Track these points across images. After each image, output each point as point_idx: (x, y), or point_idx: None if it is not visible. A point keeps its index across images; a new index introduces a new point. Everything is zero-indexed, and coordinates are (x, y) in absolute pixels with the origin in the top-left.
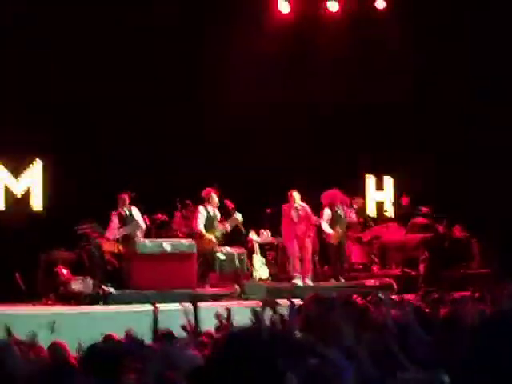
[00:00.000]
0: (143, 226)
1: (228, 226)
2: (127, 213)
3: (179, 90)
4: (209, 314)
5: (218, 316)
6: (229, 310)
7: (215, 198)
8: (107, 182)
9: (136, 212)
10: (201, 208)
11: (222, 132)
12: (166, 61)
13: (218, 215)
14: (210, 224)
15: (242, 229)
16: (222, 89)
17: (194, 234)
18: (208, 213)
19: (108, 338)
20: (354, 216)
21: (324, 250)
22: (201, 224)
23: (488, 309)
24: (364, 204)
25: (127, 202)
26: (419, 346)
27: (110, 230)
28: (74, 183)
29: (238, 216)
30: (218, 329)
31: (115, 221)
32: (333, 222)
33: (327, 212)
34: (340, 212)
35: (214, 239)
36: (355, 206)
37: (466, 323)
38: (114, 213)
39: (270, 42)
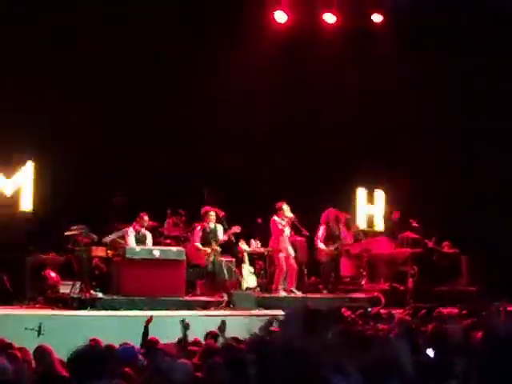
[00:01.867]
0: None
1: (225, 236)
2: (142, 234)
3: (175, 97)
4: (197, 322)
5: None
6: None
7: (212, 215)
8: (100, 187)
9: (149, 237)
10: (197, 227)
11: (217, 140)
12: (162, 71)
13: (219, 229)
14: (207, 239)
15: (233, 238)
16: (218, 99)
17: (183, 240)
18: (204, 230)
19: (93, 343)
20: (348, 238)
21: (314, 264)
22: (197, 241)
23: (475, 326)
24: (359, 230)
25: (146, 223)
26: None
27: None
28: (66, 186)
29: (236, 228)
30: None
31: (131, 239)
32: (327, 240)
33: (322, 230)
34: (335, 230)
35: (208, 251)
36: (352, 231)
37: (452, 340)
38: (131, 229)
39: (267, 51)
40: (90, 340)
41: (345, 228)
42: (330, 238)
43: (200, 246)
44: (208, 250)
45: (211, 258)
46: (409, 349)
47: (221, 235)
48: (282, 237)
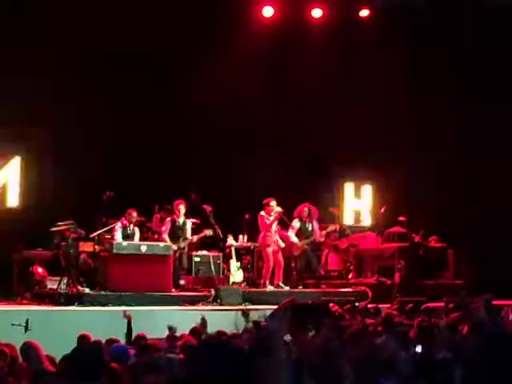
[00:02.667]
0: None
1: (195, 238)
2: (130, 230)
3: (162, 94)
4: (184, 318)
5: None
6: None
7: (182, 210)
8: (88, 182)
9: (137, 233)
10: (167, 220)
11: (204, 138)
12: (148, 67)
13: (188, 224)
14: (176, 234)
15: (220, 234)
16: (205, 94)
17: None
18: (173, 224)
19: (83, 338)
20: (321, 236)
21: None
22: (165, 233)
23: (461, 321)
24: (336, 230)
25: (134, 219)
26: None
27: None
28: (53, 182)
29: (208, 232)
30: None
31: (119, 234)
32: (299, 234)
33: (296, 223)
34: (308, 225)
35: (175, 247)
36: (328, 230)
37: (439, 333)
38: (119, 224)
39: (254, 46)
40: (81, 335)
41: (317, 223)
42: (302, 233)
43: (167, 240)
44: (175, 247)
45: (177, 255)
46: (398, 346)
47: (189, 231)
48: (270, 232)
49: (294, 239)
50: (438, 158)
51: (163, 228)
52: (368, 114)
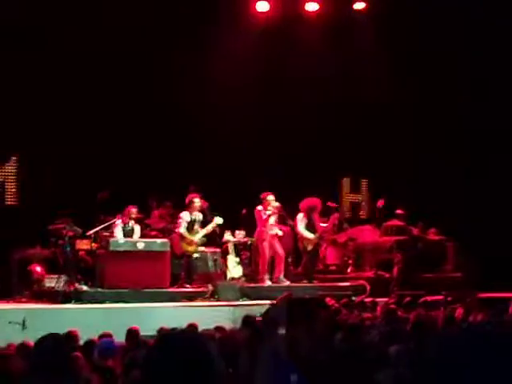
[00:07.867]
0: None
1: (210, 228)
2: (130, 227)
3: (158, 91)
4: (182, 314)
5: None
6: None
7: (197, 203)
8: (84, 180)
9: (137, 230)
10: (183, 213)
11: (201, 133)
12: (143, 62)
13: (201, 218)
14: (191, 228)
15: (217, 230)
16: (200, 90)
17: (168, 231)
18: (190, 217)
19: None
20: (325, 225)
21: (298, 253)
22: (182, 228)
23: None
24: (339, 219)
25: (134, 215)
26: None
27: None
28: (50, 180)
29: (219, 220)
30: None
31: (119, 231)
32: (310, 228)
33: (303, 218)
34: (312, 219)
35: (195, 240)
36: (331, 222)
37: (435, 327)
38: (119, 221)
39: (248, 42)
40: (68, 331)
41: (318, 217)
42: (310, 227)
43: (186, 234)
44: (194, 238)
45: (196, 249)
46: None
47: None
48: (266, 227)
49: (309, 235)
50: (436, 150)
51: (180, 223)
52: (365, 107)
